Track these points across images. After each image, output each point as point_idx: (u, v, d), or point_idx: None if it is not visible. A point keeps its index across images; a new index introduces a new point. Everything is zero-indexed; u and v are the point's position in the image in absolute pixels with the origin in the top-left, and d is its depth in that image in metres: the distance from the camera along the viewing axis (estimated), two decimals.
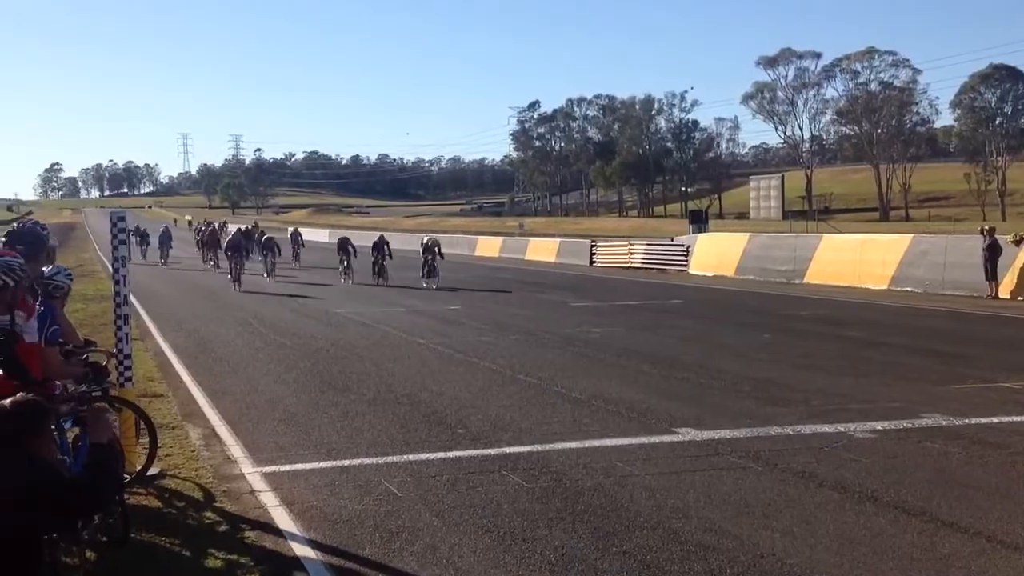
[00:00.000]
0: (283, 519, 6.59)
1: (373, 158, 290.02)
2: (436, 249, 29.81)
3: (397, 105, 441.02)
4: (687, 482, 7.22)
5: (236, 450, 8.67)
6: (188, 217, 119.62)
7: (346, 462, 8.05)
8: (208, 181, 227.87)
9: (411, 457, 8.14)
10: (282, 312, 22.11)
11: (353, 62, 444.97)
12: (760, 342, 15.97)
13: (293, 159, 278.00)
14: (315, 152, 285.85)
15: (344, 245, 33.69)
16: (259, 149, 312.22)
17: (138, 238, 49.49)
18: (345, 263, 32.90)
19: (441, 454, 8.24)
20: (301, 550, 6.00)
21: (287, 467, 7.99)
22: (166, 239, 47.27)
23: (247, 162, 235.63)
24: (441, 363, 13.69)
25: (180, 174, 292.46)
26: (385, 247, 31.53)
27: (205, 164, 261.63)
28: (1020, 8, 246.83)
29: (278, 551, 6.02)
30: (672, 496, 6.84)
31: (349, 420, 9.79)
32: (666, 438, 8.69)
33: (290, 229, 48.65)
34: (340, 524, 6.44)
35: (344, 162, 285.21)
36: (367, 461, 8.05)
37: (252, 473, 7.85)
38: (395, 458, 8.11)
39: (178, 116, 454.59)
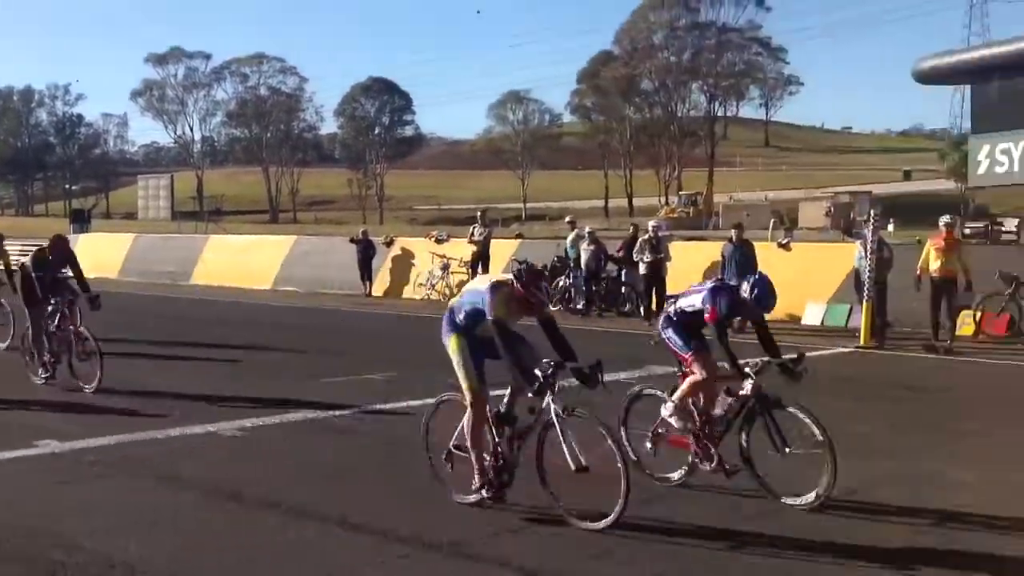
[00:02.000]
0: None
1: None
2: None
3: None
4: (43, 498, 6.79)
5: None
6: None
7: None
8: None
9: None
10: None
11: None
12: (138, 345, 15.52)
13: None
14: None
15: None
16: None
17: None
18: None
19: None
20: None
21: None
22: None
23: None
24: None
25: None
26: None
27: None
28: (390, 23, 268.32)
29: None
30: (25, 515, 6.39)
31: None
32: (24, 452, 8.10)
33: None
34: None
35: None
36: None
37: None
38: None
39: None
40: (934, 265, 15.17)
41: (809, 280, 18.69)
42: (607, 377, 6.33)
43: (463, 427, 6.54)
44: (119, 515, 6.38)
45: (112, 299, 24.28)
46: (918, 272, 15.36)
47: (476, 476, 6.47)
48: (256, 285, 27.10)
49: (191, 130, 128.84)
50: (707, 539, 5.96)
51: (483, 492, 6.45)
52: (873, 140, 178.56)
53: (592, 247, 20.89)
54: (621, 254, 20.79)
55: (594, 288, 20.80)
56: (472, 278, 22.91)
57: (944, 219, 16.14)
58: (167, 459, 7.91)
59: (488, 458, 6.47)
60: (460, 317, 6.67)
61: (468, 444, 6.48)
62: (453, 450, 6.68)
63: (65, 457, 7.93)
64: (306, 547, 5.74)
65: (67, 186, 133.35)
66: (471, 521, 6.21)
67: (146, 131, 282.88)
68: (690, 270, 18.45)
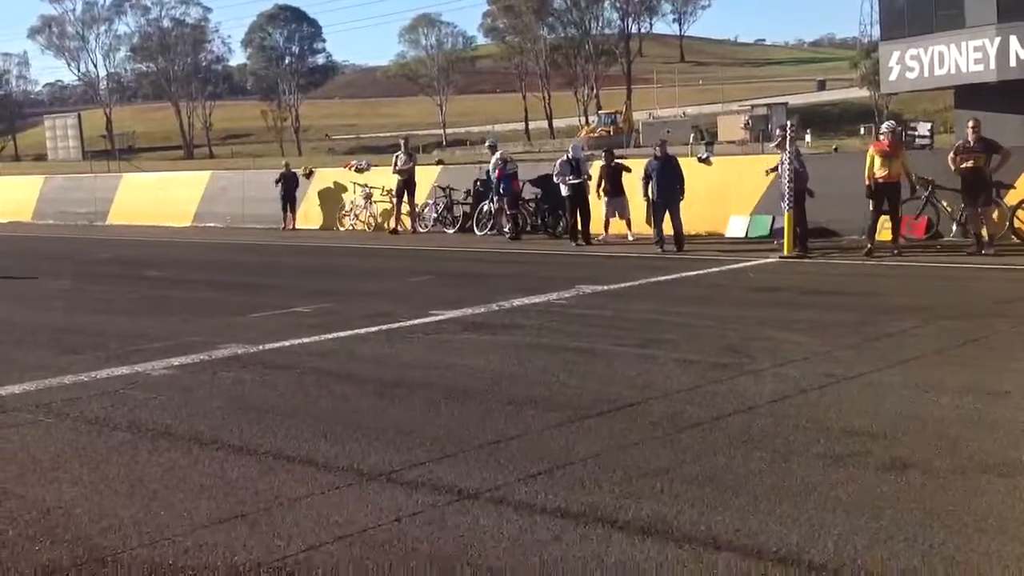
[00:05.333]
0: None
1: None
2: None
3: None
4: None
5: None
6: None
7: None
8: None
9: None
10: None
11: None
12: (57, 288, 15.21)
13: None
14: None
15: None
16: None
17: None
18: None
19: None
20: None
21: None
22: None
23: None
24: None
25: None
26: None
27: None
28: None
29: None
30: None
31: None
32: None
33: None
34: None
35: None
36: None
37: None
38: None
39: None
40: (880, 172, 15.52)
41: (730, 193, 18.89)
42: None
43: None
44: (49, 460, 6.26)
45: (23, 243, 23.73)
46: (867, 180, 15.71)
47: None
48: (176, 223, 26.61)
49: (95, 67, 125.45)
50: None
51: None
52: (786, 52, 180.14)
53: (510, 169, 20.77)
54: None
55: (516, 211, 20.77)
56: (398, 207, 22.80)
57: (885, 125, 16.91)
58: (95, 401, 7.77)
59: None
60: None
61: None
62: None
63: None
64: (246, 482, 5.70)
65: None
66: (403, 449, 6.22)
67: (49, 69, 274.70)
68: (636, 186, 18.53)
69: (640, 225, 18.68)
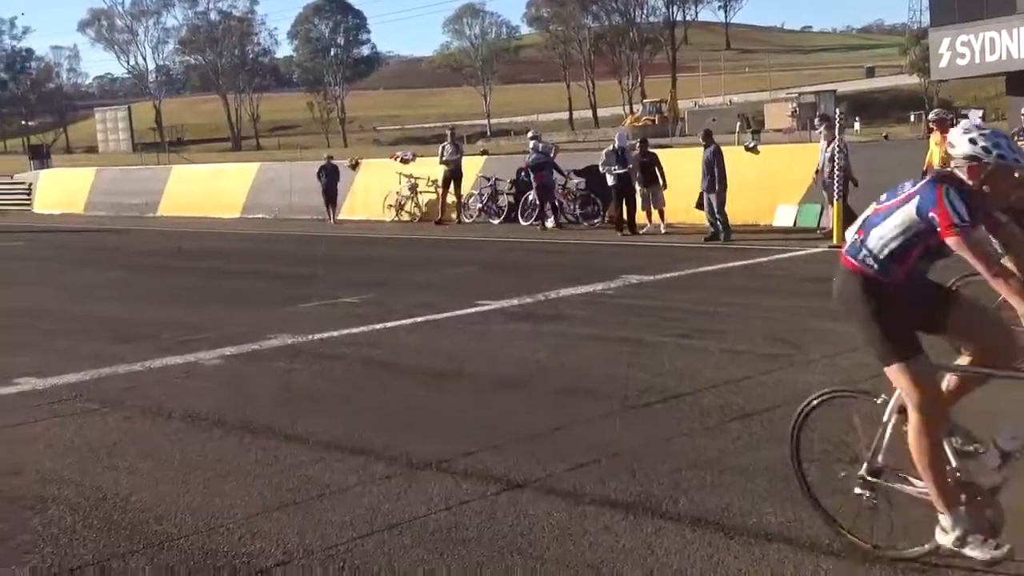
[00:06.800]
0: None
1: None
2: None
3: None
4: (25, 434, 6.77)
5: None
6: None
7: None
8: None
9: None
10: None
11: None
12: (113, 280, 15.46)
13: None
14: None
15: None
16: None
17: None
18: None
19: None
20: None
21: None
22: None
23: None
24: None
25: None
26: None
27: None
28: None
29: None
30: (8, 451, 6.38)
31: None
32: (3, 390, 8.06)
33: None
34: None
35: None
36: None
37: None
38: None
39: None
40: (938, 160, 15.38)
41: (779, 182, 18.72)
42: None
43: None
44: (106, 448, 6.38)
45: (75, 237, 24.12)
46: (924, 168, 15.56)
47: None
48: (224, 214, 26.86)
49: (144, 59, 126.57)
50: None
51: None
52: (834, 39, 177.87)
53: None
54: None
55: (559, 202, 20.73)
56: (443, 197, 22.85)
57: (933, 113, 16.67)
58: (150, 390, 7.90)
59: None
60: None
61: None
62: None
63: (46, 394, 7.89)
64: (298, 471, 5.77)
65: (24, 122, 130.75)
66: (451, 439, 6.26)
67: (99, 62, 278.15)
68: (681, 175, 18.45)
69: (677, 214, 18.60)
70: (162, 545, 4.78)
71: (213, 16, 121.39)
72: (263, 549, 4.68)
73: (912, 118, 73.06)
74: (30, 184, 34.85)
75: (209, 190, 28.54)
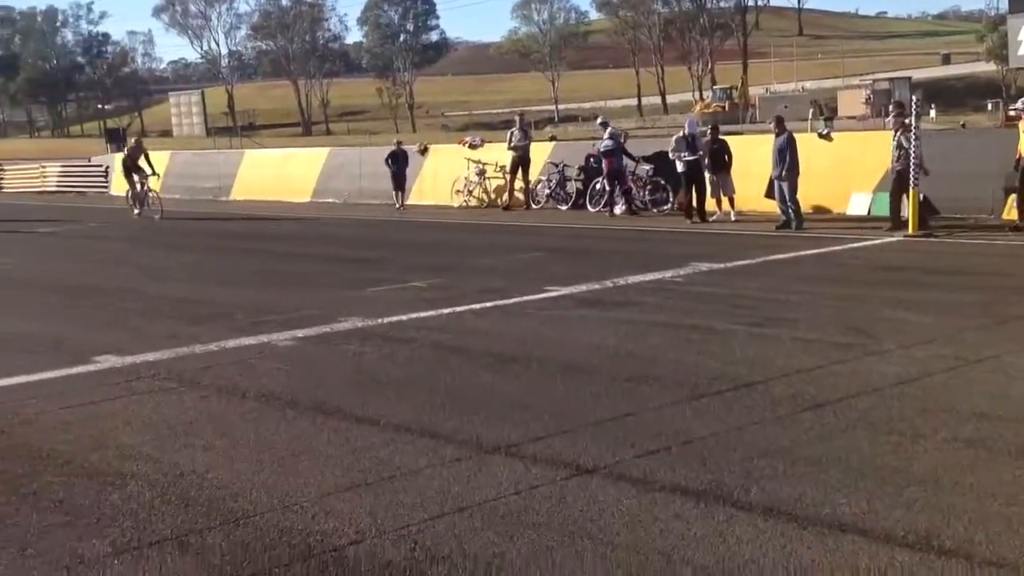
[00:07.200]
0: None
1: None
2: None
3: None
4: (105, 411, 6.93)
5: None
6: None
7: None
8: None
9: None
10: None
11: None
12: (186, 262, 15.75)
13: None
14: None
15: None
16: None
17: None
18: None
19: None
20: None
21: None
22: None
23: None
24: None
25: None
26: None
27: None
28: None
29: None
30: (89, 428, 6.54)
31: None
32: (84, 368, 8.25)
33: None
34: None
35: None
36: None
37: None
38: None
39: None
40: None
41: (852, 170, 18.43)
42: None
43: None
44: (183, 426, 6.51)
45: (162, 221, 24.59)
46: (1017, 156, 15.29)
47: None
48: (295, 199, 27.19)
49: (217, 45, 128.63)
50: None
51: None
52: (909, 25, 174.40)
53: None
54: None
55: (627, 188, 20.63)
56: (511, 183, 22.87)
57: (1021, 102, 16.44)
58: (225, 370, 8.03)
59: None
60: None
61: None
62: None
63: (124, 371, 8.07)
64: (369, 452, 5.83)
65: (100, 106, 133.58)
66: (520, 424, 6.27)
67: (173, 47, 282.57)
68: (752, 162, 18.29)
69: (748, 202, 18.41)
70: (238, 522, 4.87)
71: (284, 2, 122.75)
72: (336, 528, 4.75)
73: (989, 106, 71.38)
74: (107, 167, 35.55)
75: (280, 174, 28.90)
